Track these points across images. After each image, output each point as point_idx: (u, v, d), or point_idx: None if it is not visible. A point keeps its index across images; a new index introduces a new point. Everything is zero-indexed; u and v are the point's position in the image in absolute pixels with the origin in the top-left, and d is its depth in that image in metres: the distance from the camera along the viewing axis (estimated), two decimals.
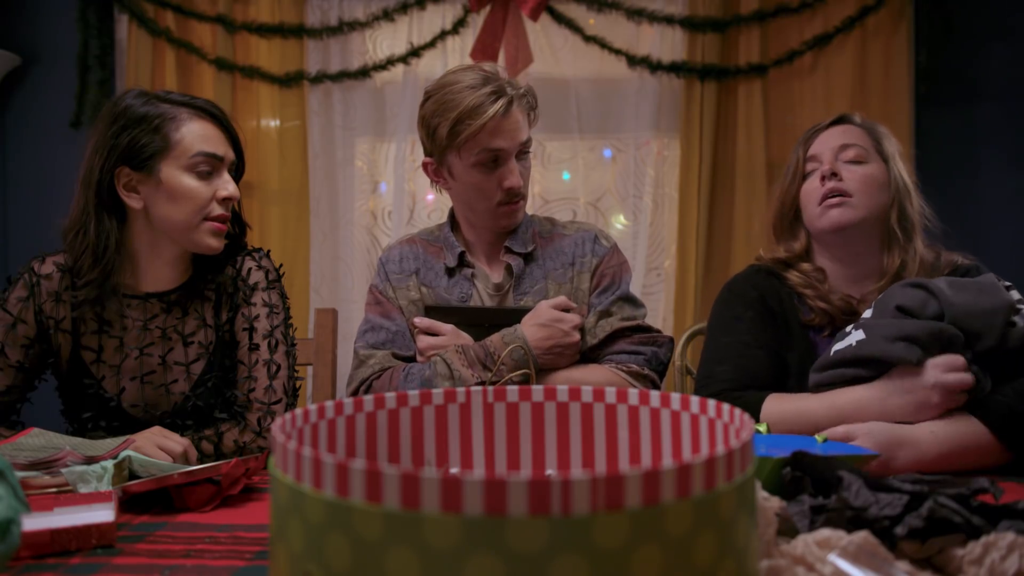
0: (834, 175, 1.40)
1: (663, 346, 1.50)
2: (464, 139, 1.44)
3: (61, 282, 1.39)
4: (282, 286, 1.50)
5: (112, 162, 1.33)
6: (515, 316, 1.45)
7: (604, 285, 1.54)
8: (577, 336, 1.44)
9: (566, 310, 1.45)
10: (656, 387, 1.48)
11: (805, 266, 1.45)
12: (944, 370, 1.15)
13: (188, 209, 1.34)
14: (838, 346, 1.25)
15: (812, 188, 1.43)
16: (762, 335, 1.41)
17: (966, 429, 1.15)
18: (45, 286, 1.39)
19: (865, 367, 1.21)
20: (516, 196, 1.51)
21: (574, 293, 1.54)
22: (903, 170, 1.43)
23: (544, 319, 1.42)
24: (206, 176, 1.35)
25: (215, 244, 1.38)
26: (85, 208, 1.35)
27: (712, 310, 1.52)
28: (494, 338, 1.42)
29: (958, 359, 1.16)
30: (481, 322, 1.47)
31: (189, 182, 1.34)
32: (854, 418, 1.17)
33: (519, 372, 1.40)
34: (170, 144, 1.33)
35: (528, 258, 1.56)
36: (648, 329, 1.51)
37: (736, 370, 1.37)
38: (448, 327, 1.46)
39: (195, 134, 1.34)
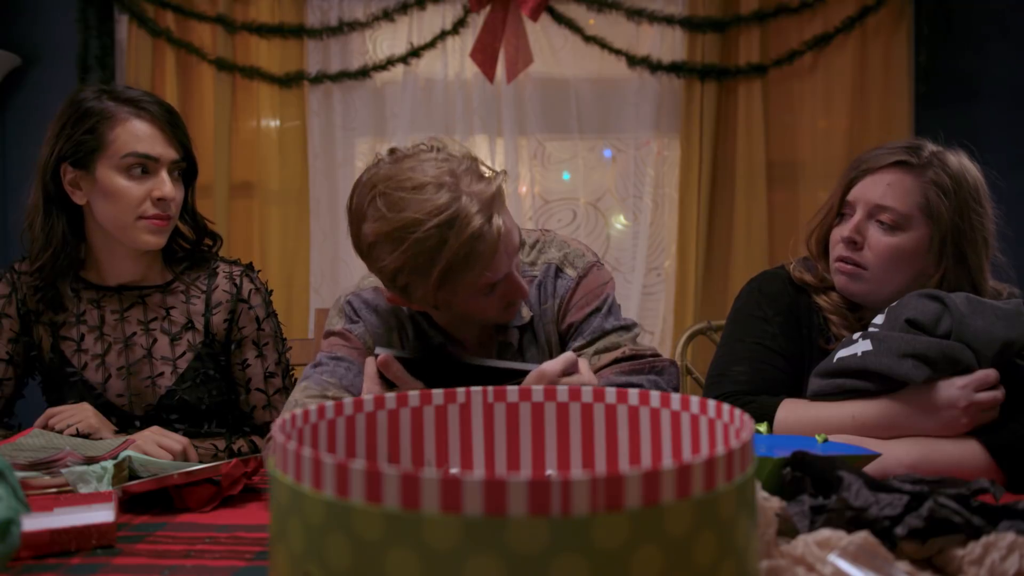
0: (853, 243, 1.28)
1: (664, 372, 1.21)
2: (460, 291, 1.11)
3: None
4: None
5: (56, 157, 1.36)
6: (509, 378, 1.08)
7: (575, 326, 1.25)
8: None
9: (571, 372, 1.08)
10: None
11: (834, 295, 1.35)
12: (976, 388, 1.12)
13: (121, 208, 1.35)
14: (842, 353, 1.20)
15: (836, 240, 1.32)
16: (786, 344, 1.33)
17: (964, 452, 1.13)
18: (25, 281, 1.42)
19: (868, 380, 1.16)
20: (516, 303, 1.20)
21: (554, 352, 1.25)
22: (969, 228, 1.27)
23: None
24: (139, 176, 1.35)
25: (153, 241, 1.38)
26: (36, 201, 1.39)
27: (737, 304, 1.41)
28: None
29: (991, 374, 1.13)
30: (462, 383, 1.09)
31: (121, 182, 1.34)
32: (876, 432, 1.15)
33: None
34: (104, 144, 1.34)
35: (524, 327, 1.25)
36: (640, 355, 1.21)
37: (753, 373, 1.30)
38: (418, 385, 1.08)
39: (129, 134, 1.34)
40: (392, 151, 1.12)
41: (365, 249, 1.11)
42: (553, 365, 1.06)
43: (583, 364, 1.09)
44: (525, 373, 1.08)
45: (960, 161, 1.30)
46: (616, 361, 1.20)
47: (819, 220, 1.38)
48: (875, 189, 1.28)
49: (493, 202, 1.07)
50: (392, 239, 1.05)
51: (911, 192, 1.26)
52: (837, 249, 1.32)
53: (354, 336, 1.22)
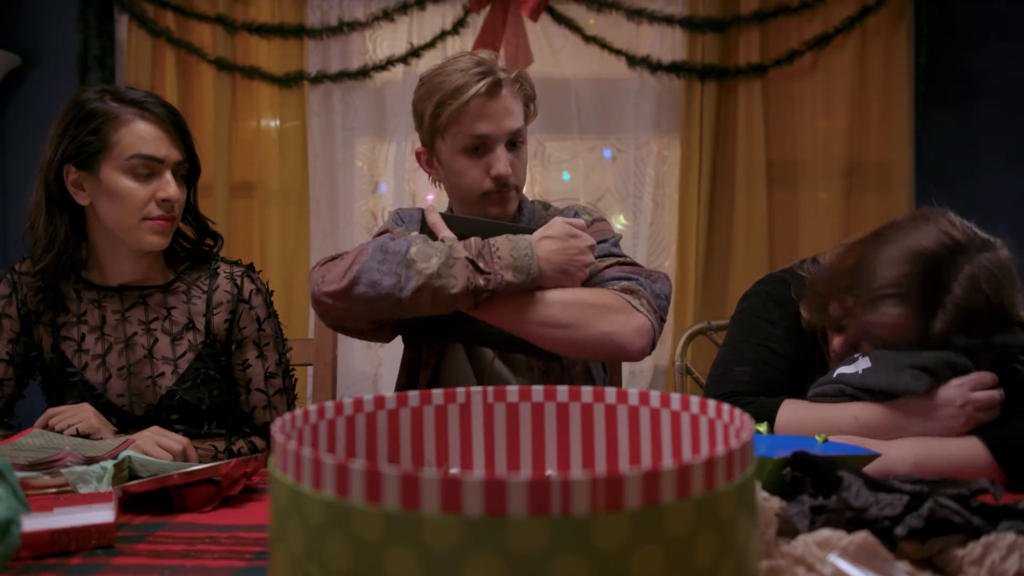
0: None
1: (658, 280, 1.37)
2: (446, 121, 1.38)
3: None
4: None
5: (59, 158, 1.36)
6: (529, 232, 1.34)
7: None
8: (590, 258, 1.32)
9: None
10: (658, 319, 1.34)
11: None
12: (973, 388, 1.13)
13: (126, 209, 1.35)
14: (843, 369, 1.21)
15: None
16: (791, 349, 1.34)
17: (967, 450, 1.13)
18: (25, 281, 1.42)
19: (869, 395, 1.17)
20: (505, 185, 1.41)
21: None
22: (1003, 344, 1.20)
23: (558, 233, 1.30)
24: (144, 177, 1.35)
25: (157, 241, 1.38)
26: (39, 201, 1.39)
27: (743, 304, 1.42)
28: (499, 238, 1.29)
29: (987, 375, 1.13)
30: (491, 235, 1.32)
31: (126, 183, 1.34)
32: (877, 434, 1.15)
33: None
34: (109, 145, 1.34)
35: None
36: (636, 265, 1.41)
37: (755, 374, 1.30)
38: (450, 235, 1.32)
39: (134, 135, 1.35)
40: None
41: (414, 108, 1.45)
42: (560, 220, 1.32)
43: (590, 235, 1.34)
44: (534, 229, 1.33)
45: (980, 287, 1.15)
46: (614, 265, 1.40)
47: (814, 308, 1.31)
48: (875, 328, 1.20)
49: (495, 79, 1.38)
50: (426, 81, 1.42)
51: (915, 328, 1.17)
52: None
53: (399, 232, 1.40)
